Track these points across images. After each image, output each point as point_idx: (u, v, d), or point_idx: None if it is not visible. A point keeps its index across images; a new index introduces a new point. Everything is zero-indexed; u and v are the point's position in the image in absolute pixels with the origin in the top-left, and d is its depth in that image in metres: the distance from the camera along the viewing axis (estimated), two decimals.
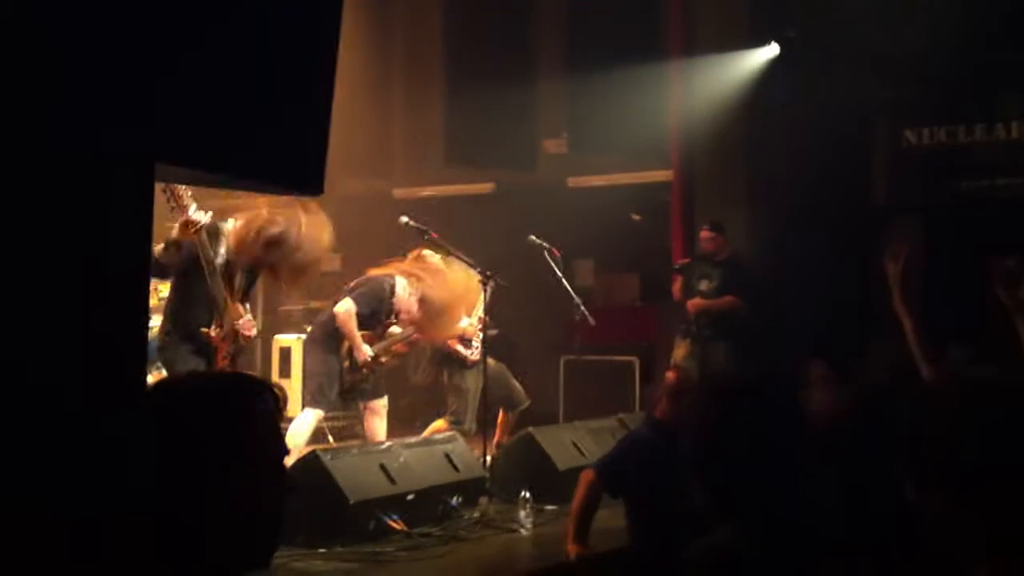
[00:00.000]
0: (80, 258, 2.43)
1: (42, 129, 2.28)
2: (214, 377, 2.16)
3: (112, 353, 2.45)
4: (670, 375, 5.16)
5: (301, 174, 2.95)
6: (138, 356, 2.62)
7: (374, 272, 7.01)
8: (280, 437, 1.45)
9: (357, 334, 6.77)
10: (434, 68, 11.49)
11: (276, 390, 1.44)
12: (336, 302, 6.86)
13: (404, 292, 6.90)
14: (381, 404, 6.97)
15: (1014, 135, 9.06)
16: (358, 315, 6.76)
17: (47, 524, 1.34)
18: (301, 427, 6.69)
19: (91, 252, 2.45)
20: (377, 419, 6.94)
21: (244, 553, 1.40)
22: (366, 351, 6.81)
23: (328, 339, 6.84)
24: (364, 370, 6.83)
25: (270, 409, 1.41)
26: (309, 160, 2.93)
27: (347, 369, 6.80)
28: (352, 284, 6.98)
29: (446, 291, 6.91)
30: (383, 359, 6.97)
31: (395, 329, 7.03)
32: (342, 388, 6.86)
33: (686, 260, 9.16)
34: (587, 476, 4.85)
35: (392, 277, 6.93)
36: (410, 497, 5.69)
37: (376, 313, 6.86)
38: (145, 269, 2.71)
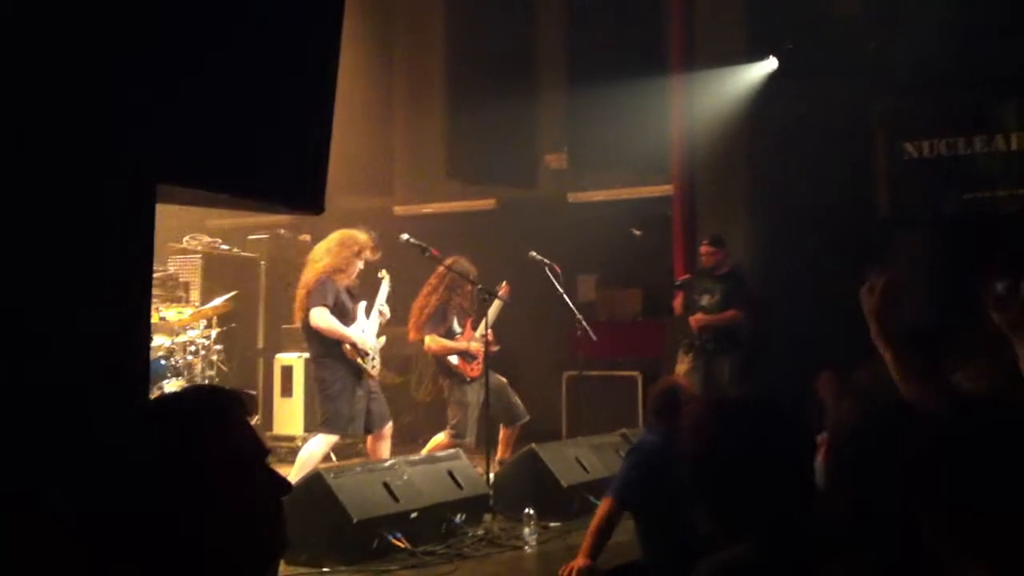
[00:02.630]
0: (85, 276, 2.44)
1: (48, 149, 2.29)
2: (196, 388, 2.26)
3: (114, 366, 2.46)
4: (670, 384, 5.19)
5: (302, 192, 2.97)
6: (140, 367, 2.64)
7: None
8: (259, 439, 1.51)
9: (346, 330, 6.70)
10: (435, 84, 11.51)
11: (245, 396, 1.53)
12: (304, 321, 6.75)
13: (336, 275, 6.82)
14: (388, 428, 6.94)
15: (1014, 147, 9.06)
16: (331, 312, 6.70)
17: (46, 527, 1.36)
18: (311, 451, 6.63)
19: (95, 270, 2.47)
20: (384, 443, 6.90)
21: (247, 554, 1.42)
22: (366, 341, 6.76)
23: (326, 355, 6.77)
24: (375, 358, 6.79)
25: (247, 413, 1.50)
26: (310, 178, 2.95)
27: (368, 363, 6.72)
28: (302, 296, 6.81)
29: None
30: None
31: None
32: (368, 407, 6.76)
33: (687, 276, 9.16)
34: (606, 502, 4.93)
35: (324, 272, 6.79)
36: (414, 515, 5.67)
37: (339, 304, 6.75)
38: (147, 288, 2.71)
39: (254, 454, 1.46)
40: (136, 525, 1.34)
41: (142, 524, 1.35)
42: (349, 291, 6.87)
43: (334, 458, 8.59)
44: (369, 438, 6.97)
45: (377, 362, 6.85)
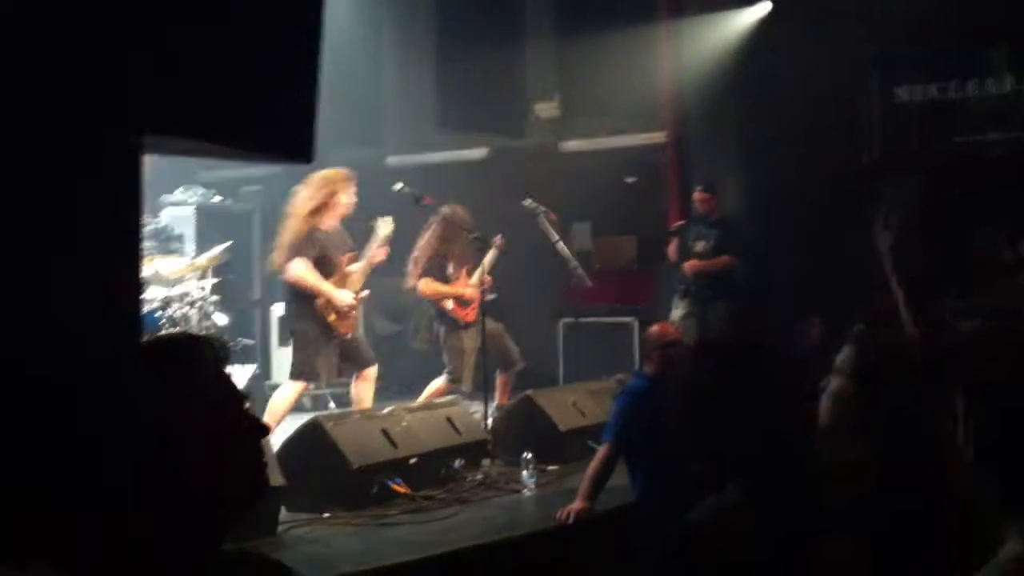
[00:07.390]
0: (70, 227, 2.44)
1: (36, 101, 2.29)
2: (163, 336, 2.23)
3: (104, 317, 2.47)
4: (655, 329, 5.28)
5: (291, 143, 2.98)
6: (131, 317, 2.64)
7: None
8: (231, 384, 1.47)
9: (324, 284, 6.62)
10: (425, 33, 11.42)
11: (215, 341, 1.50)
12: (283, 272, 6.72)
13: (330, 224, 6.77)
14: (371, 372, 6.90)
15: (1006, 90, 9.05)
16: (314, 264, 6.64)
17: (25, 497, 1.34)
18: (279, 398, 6.65)
19: (81, 222, 2.47)
20: (365, 385, 6.87)
21: (233, 501, 1.42)
22: (343, 296, 6.68)
23: (298, 307, 6.75)
24: (351, 312, 6.77)
25: (213, 359, 1.46)
26: (299, 128, 2.96)
27: (336, 323, 6.71)
28: (284, 245, 6.73)
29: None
30: (360, 295, 6.86)
31: (355, 267, 6.87)
32: (340, 353, 6.79)
33: (681, 222, 9.18)
34: (605, 446, 5.04)
35: (308, 222, 6.69)
36: (413, 461, 5.73)
37: (324, 256, 6.69)
38: (136, 236, 2.72)
39: (228, 399, 1.44)
40: (117, 475, 1.32)
41: (124, 475, 1.32)
42: (336, 240, 6.78)
43: (333, 406, 8.66)
44: (356, 380, 6.94)
45: (354, 315, 6.82)
